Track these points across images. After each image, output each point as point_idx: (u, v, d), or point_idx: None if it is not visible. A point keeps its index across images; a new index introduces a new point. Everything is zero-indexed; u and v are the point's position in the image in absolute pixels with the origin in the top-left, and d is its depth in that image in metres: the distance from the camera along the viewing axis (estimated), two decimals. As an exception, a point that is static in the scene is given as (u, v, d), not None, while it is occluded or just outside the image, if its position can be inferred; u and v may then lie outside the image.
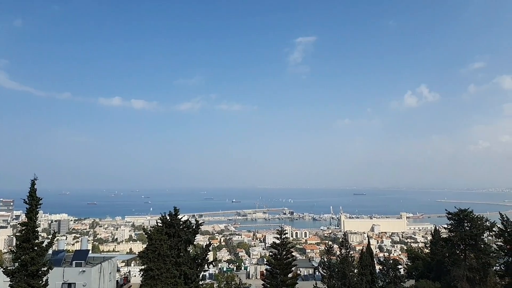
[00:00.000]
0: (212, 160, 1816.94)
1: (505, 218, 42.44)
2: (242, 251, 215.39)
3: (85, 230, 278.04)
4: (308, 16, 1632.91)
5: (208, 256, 38.39)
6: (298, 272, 60.95)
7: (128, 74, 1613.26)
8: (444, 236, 47.71)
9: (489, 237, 46.21)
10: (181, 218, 37.96)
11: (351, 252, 48.65)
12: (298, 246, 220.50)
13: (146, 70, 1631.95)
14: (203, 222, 46.87)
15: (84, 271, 37.40)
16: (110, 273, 42.23)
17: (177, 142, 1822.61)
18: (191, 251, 39.00)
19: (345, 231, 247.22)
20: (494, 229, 41.08)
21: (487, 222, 39.88)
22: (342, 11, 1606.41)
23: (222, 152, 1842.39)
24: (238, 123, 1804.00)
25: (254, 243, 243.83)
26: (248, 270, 78.70)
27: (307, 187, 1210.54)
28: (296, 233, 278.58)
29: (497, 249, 41.95)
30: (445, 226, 42.28)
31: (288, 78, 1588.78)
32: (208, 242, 42.68)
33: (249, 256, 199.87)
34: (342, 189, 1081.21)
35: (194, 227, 37.84)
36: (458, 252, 39.07)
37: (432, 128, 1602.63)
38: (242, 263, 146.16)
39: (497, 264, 41.25)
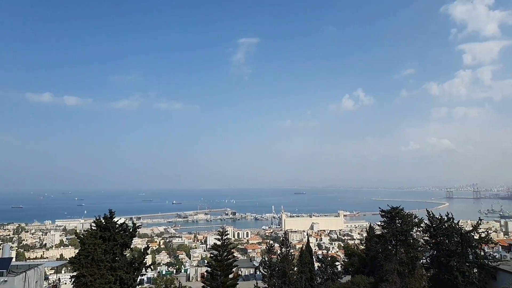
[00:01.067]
0: (151, 160, 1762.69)
1: (431, 215, 46.16)
2: (182, 254, 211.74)
3: (8, 236, 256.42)
4: (251, 17, 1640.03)
5: (146, 259, 37.25)
6: (239, 272, 61.23)
7: (60, 68, 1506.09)
8: (378, 232, 50.66)
9: (417, 233, 49.86)
10: (117, 221, 36.45)
11: (291, 251, 49.86)
12: (239, 246, 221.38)
13: (80, 65, 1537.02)
14: (141, 225, 45.38)
15: (5, 281, 34.40)
16: (36, 282, 39.30)
17: (113, 141, 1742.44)
18: (127, 255, 37.56)
19: (286, 230, 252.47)
20: (421, 225, 44.42)
21: (416, 219, 42.87)
22: (284, 14, 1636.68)
23: (162, 152, 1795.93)
24: (179, 122, 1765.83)
25: (195, 245, 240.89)
26: (188, 272, 77.67)
27: (249, 187, 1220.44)
28: (238, 233, 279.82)
29: (424, 243, 45.47)
30: (379, 223, 44.77)
31: (231, 78, 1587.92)
32: (146, 245, 41.41)
33: (190, 258, 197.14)
34: (284, 188, 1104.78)
35: (131, 230, 36.50)
36: (390, 247, 41.55)
37: (367, 130, 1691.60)
38: (182, 266, 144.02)
39: (424, 258, 44.69)
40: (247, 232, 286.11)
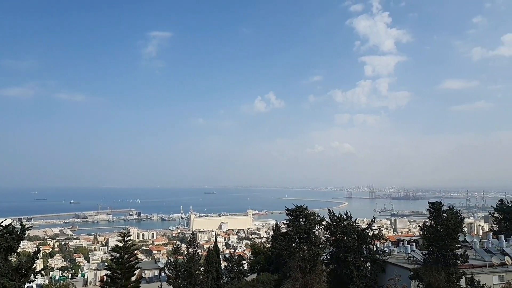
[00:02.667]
0: (46, 155, 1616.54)
1: (332, 213, 49.61)
2: (80, 257, 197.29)
3: None
4: (164, 11, 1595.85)
5: (35, 264, 33.91)
6: (143, 274, 59.26)
7: None
8: (283, 231, 52.95)
9: (319, 230, 53.24)
10: (2, 222, 32.64)
11: (198, 251, 49.61)
12: (144, 248, 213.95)
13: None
14: (31, 226, 41.37)
15: None
16: None
17: (0, 132, 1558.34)
18: (13, 260, 33.84)
19: (194, 230, 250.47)
20: (323, 223, 47.55)
21: (318, 217, 45.73)
22: (199, 11, 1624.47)
23: (59, 146, 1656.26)
24: (81, 115, 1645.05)
25: (95, 247, 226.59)
26: (86, 276, 73.17)
27: (157, 186, 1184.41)
28: (143, 234, 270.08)
29: (325, 240, 48.73)
30: (284, 221, 46.77)
31: (141, 71, 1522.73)
32: (36, 249, 37.70)
33: (89, 261, 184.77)
34: (194, 188, 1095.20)
35: (18, 232, 32.92)
36: (294, 245, 43.67)
37: (277, 132, 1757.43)
38: (80, 270, 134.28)
39: (324, 254, 47.87)
40: (153, 233, 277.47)
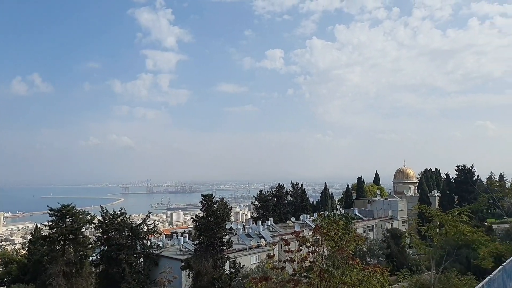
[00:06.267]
0: None
1: (105, 211, 47.79)
2: None
3: None
4: None
5: None
6: None
7: None
8: (45, 233, 47.54)
9: (91, 229, 50.34)
10: None
11: None
12: None
13: None
14: None
15: None
16: None
17: None
18: None
19: None
20: (94, 221, 45.19)
21: (88, 216, 43.21)
22: None
23: None
24: None
25: None
26: None
27: None
28: None
29: (96, 240, 46.45)
30: (46, 223, 42.29)
31: None
32: None
33: None
34: None
35: None
36: (57, 248, 39.90)
37: (42, 120, 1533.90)
38: None
39: (94, 254, 45.58)
40: None
